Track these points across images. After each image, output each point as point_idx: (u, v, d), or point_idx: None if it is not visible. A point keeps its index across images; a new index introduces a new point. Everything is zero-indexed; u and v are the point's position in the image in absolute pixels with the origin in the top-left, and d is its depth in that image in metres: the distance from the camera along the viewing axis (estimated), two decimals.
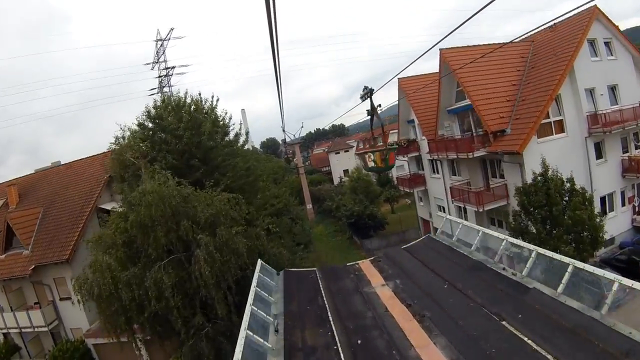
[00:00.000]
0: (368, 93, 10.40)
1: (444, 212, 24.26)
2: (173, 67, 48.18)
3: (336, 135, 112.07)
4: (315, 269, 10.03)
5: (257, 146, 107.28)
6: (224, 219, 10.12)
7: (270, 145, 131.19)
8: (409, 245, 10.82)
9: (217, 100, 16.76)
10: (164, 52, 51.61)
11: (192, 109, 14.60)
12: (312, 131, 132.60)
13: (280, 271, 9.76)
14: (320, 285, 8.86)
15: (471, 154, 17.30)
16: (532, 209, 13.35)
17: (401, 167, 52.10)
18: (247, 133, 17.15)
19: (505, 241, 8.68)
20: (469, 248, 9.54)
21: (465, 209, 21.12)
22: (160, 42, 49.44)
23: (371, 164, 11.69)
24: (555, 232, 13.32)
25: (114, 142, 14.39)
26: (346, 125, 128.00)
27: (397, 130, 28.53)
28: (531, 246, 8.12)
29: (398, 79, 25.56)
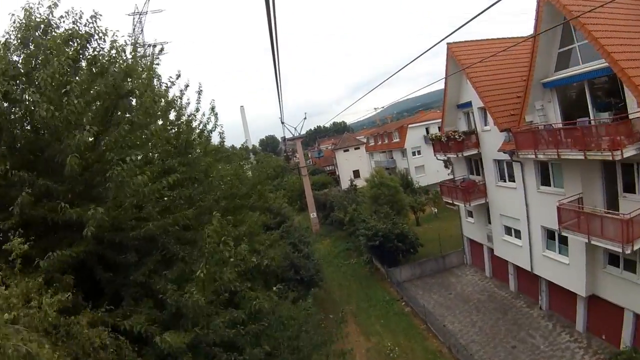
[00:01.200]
0: None
1: (516, 236, 16.57)
2: (150, 45, 40.69)
3: (337, 133, 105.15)
4: None
5: (257, 144, 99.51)
6: None
7: (269, 143, 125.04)
8: None
9: (161, 50, 9.10)
10: (142, 31, 44.20)
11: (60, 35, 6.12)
12: (313, 128, 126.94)
13: None
14: None
15: (618, 152, 9.66)
16: None
17: (421, 167, 44.70)
18: (213, 109, 9.29)
19: None
20: None
21: (562, 238, 13.55)
22: (137, 16, 41.96)
23: None
24: None
25: None
26: (348, 123, 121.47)
27: (440, 120, 20.85)
28: None
29: (447, 44, 17.94)
